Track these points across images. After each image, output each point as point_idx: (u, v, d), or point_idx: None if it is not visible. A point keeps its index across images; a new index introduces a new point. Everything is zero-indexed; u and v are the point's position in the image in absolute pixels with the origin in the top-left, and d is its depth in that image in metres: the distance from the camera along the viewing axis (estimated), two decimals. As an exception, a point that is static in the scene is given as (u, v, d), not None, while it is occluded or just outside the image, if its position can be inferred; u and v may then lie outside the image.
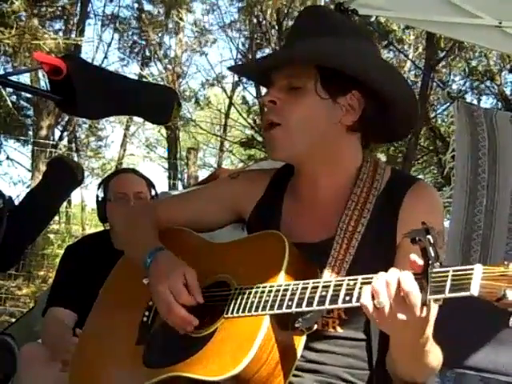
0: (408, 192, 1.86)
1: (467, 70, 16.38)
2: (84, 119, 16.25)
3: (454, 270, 1.43)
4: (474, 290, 1.37)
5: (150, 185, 3.68)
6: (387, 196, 1.89)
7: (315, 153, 1.90)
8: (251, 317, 1.71)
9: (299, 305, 1.63)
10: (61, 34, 14.34)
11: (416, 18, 4.79)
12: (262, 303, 1.69)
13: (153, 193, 3.68)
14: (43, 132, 14.13)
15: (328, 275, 1.76)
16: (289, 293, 1.66)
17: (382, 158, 16.15)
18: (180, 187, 15.88)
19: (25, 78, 13.18)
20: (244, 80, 17.26)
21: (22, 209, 2.58)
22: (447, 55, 15.84)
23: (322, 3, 4.62)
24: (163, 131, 18.82)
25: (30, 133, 16.10)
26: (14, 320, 7.57)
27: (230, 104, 18.67)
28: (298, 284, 1.66)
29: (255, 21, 17.52)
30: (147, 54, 18.21)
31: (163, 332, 1.86)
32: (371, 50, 1.93)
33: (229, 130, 19.66)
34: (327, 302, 1.59)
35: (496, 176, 4.74)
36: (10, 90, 12.94)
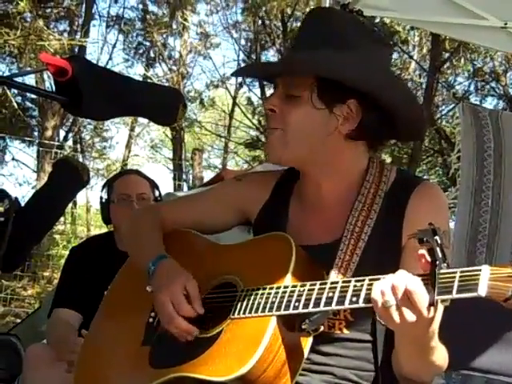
0: (413, 192, 1.86)
1: (472, 71, 16.35)
2: (89, 120, 16.27)
3: (461, 271, 1.43)
4: (482, 291, 1.38)
5: (154, 186, 3.69)
6: (393, 197, 1.89)
7: (313, 159, 1.90)
8: (258, 318, 1.71)
9: (306, 306, 1.64)
10: (66, 35, 14.38)
11: (421, 18, 4.79)
12: (269, 304, 1.69)
13: (156, 194, 3.68)
14: (48, 133, 14.15)
15: (334, 277, 1.76)
16: (295, 294, 1.66)
17: (387, 159, 16.14)
18: (185, 188, 15.90)
19: (30, 80, 13.20)
20: (248, 81, 17.28)
21: (28, 210, 2.59)
22: (452, 56, 15.81)
23: (327, 5, 4.61)
24: (168, 132, 18.82)
25: (36, 134, 16.13)
26: (19, 321, 7.58)
27: (234, 105, 18.66)
28: (305, 285, 1.67)
29: (260, 22, 17.51)
30: (152, 55, 18.23)
31: (169, 333, 1.86)
32: (375, 57, 1.89)
33: (234, 131, 19.66)
34: (334, 302, 1.59)
35: (501, 177, 4.73)
36: (15, 91, 12.98)
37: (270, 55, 17.86)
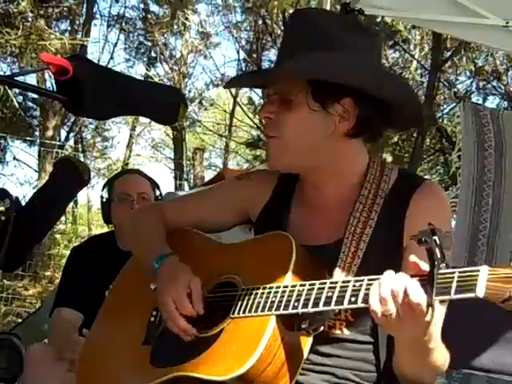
0: (415, 192, 1.86)
1: (473, 70, 16.34)
2: (90, 120, 16.27)
3: (459, 272, 1.43)
4: (480, 292, 1.38)
5: (155, 185, 3.69)
6: (394, 197, 1.88)
7: (314, 162, 1.89)
8: (258, 317, 1.71)
9: (305, 305, 1.64)
10: (67, 34, 14.35)
11: (422, 17, 4.79)
12: (269, 303, 1.69)
13: (157, 193, 3.69)
14: (49, 133, 14.15)
15: (337, 277, 1.75)
16: (295, 293, 1.67)
17: (388, 158, 16.13)
18: (186, 188, 15.89)
19: (31, 79, 13.20)
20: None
21: (29, 209, 2.59)
22: (453, 55, 15.79)
23: (328, 4, 4.61)
24: (169, 132, 18.82)
25: (37, 133, 16.13)
26: (20, 320, 7.58)
27: (235, 104, 18.66)
28: (305, 285, 1.67)
29: (260, 21, 17.50)
30: (153, 54, 18.23)
31: (170, 332, 1.86)
32: (363, 51, 1.86)
33: (234, 131, 19.66)
34: (333, 302, 1.59)
35: (502, 176, 4.74)
36: (16, 90, 12.99)
37: (271, 55, 17.87)
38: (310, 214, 1.96)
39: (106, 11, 17.02)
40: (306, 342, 1.75)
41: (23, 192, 14.59)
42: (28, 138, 15.66)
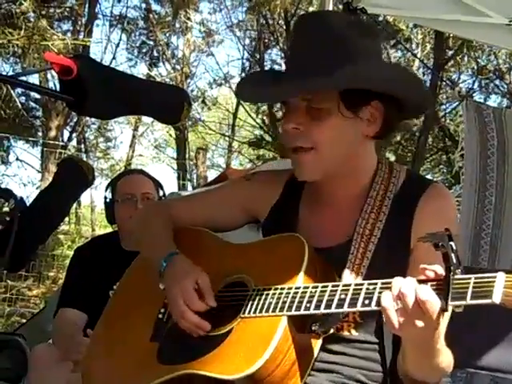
0: (423, 194, 1.86)
1: (476, 69, 16.32)
2: (93, 120, 16.30)
3: (475, 277, 1.43)
4: (496, 298, 1.38)
5: (158, 185, 3.69)
6: (402, 199, 1.88)
7: (341, 168, 1.89)
8: (268, 317, 1.71)
9: (317, 307, 1.64)
10: (69, 34, 14.36)
11: (424, 16, 4.79)
12: (280, 304, 1.70)
13: (160, 193, 3.68)
14: (52, 133, 14.16)
15: (346, 279, 1.76)
16: (307, 295, 1.67)
17: (391, 157, 16.12)
18: (189, 188, 15.90)
19: (34, 80, 13.20)
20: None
21: (33, 210, 2.58)
22: (456, 54, 15.79)
23: (330, 3, 4.61)
24: (172, 132, 18.83)
25: (40, 134, 16.13)
26: (24, 321, 7.59)
27: (238, 104, 18.66)
28: (317, 286, 1.67)
29: (263, 20, 17.50)
30: (155, 54, 18.23)
31: (178, 329, 1.86)
32: (377, 54, 1.88)
33: (237, 131, 19.66)
34: (346, 304, 1.60)
35: (505, 175, 4.74)
36: (19, 91, 13.00)
37: (274, 54, 17.88)
38: (319, 214, 1.96)
39: (108, 11, 17.05)
40: (316, 344, 1.75)
41: (26, 192, 14.59)
42: (31, 139, 15.66)
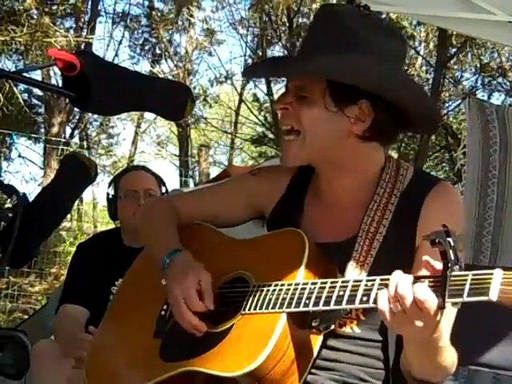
0: (430, 193, 1.85)
1: (479, 67, 16.30)
2: (95, 117, 16.32)
3: (473, 274, 1.42)
4: (493, 295, 1.37)
5: (160, 182, 3.69)
6: (409, 197, 1.87)
7: (327, 159, 1.89)
8: (268, 314, 1.71)
9: (316, 303, 1.64)
10: (72, 31, 14.37)
11: (427, 13, 4.78)
12: (280, 300, 1.69)
13: (163, 190, 3.68)
14: (55, 129, 14.17)
15: (349, 275, 1.75)
16: (307, 291, 1.67)
17: (394, 154, 16.10)
18: (191, 185, 15.90)
19: (37, 77, 13.21)
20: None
21: (36, 206, 2.57)
22: (459, 51, 15.77)
23: (334, 0, 4.60)
24: (174, 129, 18.84)
25: (42, 130, 16.15)
26: (26, 317, 7.60)
27: (240, 101, 18.66)
28: (317, 283, 1.67)
29: (265, 18, 17.49)
30: (158, 51, 18.23)
31: (180, 326, 1.86)
32: (389, 55, 1.84)
33: (240, 128, 19.66)
34: (344, 301, 1.59)
35: (507, 172, 4.74)
36: (21, 87, 13.00)
37: (276, 51, 17.86)
38: (324, 211, 1.96)
39: (111, 8, 17.09)
40: (317, 341, 1.75)
41: (29, 189, 14.63)
42: (33, 135, 15.70)
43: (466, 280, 1.42)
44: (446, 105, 16.81)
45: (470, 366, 3.48)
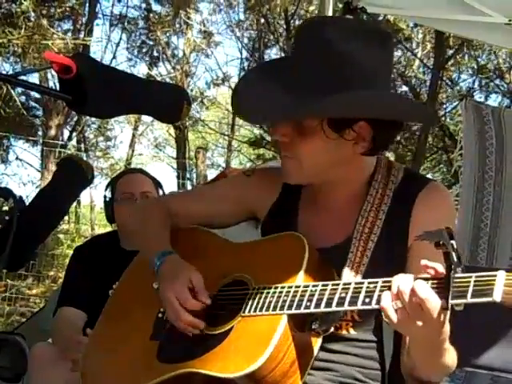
0: (420, 192, 1.86)
1: (476, 68, 16.31)
2: (93, 119, 16.28)
3: (476, 276, 1.44)
4: (497, 296, 1.39)
5: (157, 185, 3.69)
6: (400, 197, 1.88)
7: (328, 177, 1.90)
8: (268, 316, 1.72)
9: (318, 305, 1.64)
10: (69, 34, 14.35)
11: (424, 16, 4.79)
12: (280, 303, 1.70)
13: (160, 193, 3.68)
14: (52, 132, 14.16)
15: (346, 278, 1.76)
16: (307, 293, 1.67)
17: (391, 156, 16.11)
18: (189, 187, 15.87)
19: (34, 79, 13.20)
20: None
21: (33, 209, 2.58)
22: (456, 53, 15.78)
23: (331, 3, 4.61)
24: (172, 131, 18.82)
25: (40, 133, 16.13)
26: (24, 320, 7.59)
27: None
28: (317, 285, 1.67)
29: (263, 20, 17.49)
30: (155, 53, 18.22)
31: (178, 329, 1.86)
32: (381, 68, 1.78)
33: (237, 130, 19.65)
34: (346, 303, 1.60)
35: (503, 174, 4.74)
36: (19, 90, 12.99)
37: (273, 53, 17.86)
38: (319, 214, 1.96)
39: (109, 11, 17.03)
40: (316, 343, 1.76)
41: (26, 192, 14.60)
42: (31, 138, 15.66)
43: (469, 281, 1.43)
44: (444, 106, 16.83)
45: (467, 367, 3.49)
